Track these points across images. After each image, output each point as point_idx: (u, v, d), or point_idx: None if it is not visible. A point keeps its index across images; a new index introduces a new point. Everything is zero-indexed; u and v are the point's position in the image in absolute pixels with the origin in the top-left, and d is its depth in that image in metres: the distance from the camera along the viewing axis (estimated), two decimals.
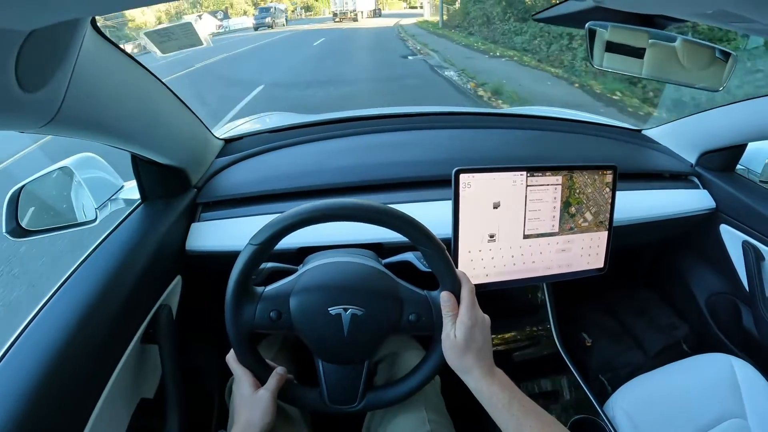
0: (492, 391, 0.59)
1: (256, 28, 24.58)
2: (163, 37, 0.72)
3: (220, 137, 1.10)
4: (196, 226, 0.92)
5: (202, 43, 0.77)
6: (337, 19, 30.40)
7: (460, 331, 0.62)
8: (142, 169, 0.88)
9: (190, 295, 0.91)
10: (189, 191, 0.95)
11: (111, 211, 1.00)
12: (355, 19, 29.94)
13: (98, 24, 0.58)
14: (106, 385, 0.63)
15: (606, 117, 1.60)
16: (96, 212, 0.97)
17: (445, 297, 0.64)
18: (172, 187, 0.92)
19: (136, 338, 0.72)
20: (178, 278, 0.87)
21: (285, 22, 28.85)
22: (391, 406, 0.72)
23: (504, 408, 0.58)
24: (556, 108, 1.65)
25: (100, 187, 0.99)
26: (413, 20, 24.92)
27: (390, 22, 25.81)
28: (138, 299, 0.73)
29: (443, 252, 0.64)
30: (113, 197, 1.01)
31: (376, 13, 33.97)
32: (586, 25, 0.71)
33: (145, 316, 0.75)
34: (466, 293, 0.65)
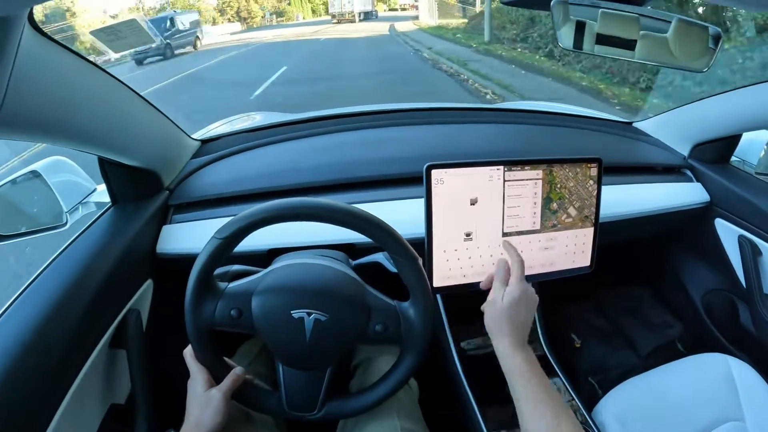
0: (516, 362, 0.60)
1: (139, 62, 11.88)
2: (110, 36, 0.70)
3: (197, 138, 1.08)
4: (167, 229, 0.89)
5: (153, 41, 0.75)
6: (335, 21, 30.12)
7: (507, 300, 0.63)
8: (110, 171, 0.86)
9: (163, 299, 0.89)
10: (161, 193, 0.93)
11: (82, 214, 0.99)
12: (352, 21, 29.34)
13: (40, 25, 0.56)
14: (70, 387, 0.61)
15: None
16: (66, 216, 0.95)
17: (501, 263, 0.69)
18: (143, 189, 0.90)
19: (102, 342, 0.70)
20: (149, 282, 0.85)
21: (197, 43, 16.54)
22: (356, 415, 0.69)
23: (523, 380, 0.58)
24: (543, 102, 1.61)
25: (70, 190, 0.98)
26: (410, 25, 21.91)
27: (383, 27, 22.16)
28: (104, 303, 0.71)
29: (414, 262, 0.62)
30: (84, 201, 0.99)
31: (369, 16, 31.59)
32: (552, 2, 0.67)
33: (113, 321, 0.73)
34: (516, 265, 0.67)
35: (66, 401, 0.60)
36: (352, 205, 0.60)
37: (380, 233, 0.60)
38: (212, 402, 0.61)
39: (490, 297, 0.66)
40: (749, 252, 1.02)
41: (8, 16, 0.42)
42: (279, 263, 0.68)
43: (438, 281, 0.77)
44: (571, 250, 0.85)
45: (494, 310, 0.64)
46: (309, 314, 0.61)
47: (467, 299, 0.76)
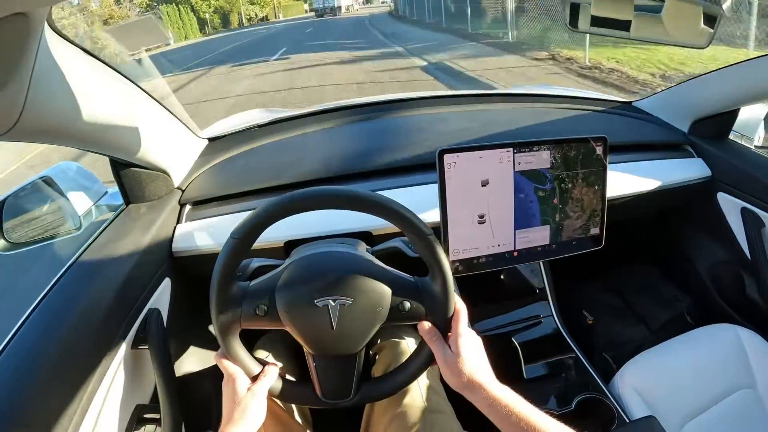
0: (504, 399, 0.55)
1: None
2: (125, 34, 0.70)
3: (204, 137, 1.08)
4: (181, 227, 0.89)
5: (167, 39, 0.75)
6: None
7: (456, 346, 0.60)
8: (122, 172, 0.86)
9: (182, 297, 0.89)
10: (173, 192, 0.93)
11: (95, 217, 0.99)
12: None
13: (57, 25, 0.56)
14: (97, 391, 0.61)
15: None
16: (80, 220, 0.95)
17: (423, 328, 0.63)
18: (155, 190, 0.90)
19: (125, 343, 0.69)
20: (166, 281, 0.85)
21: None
22: (388, 397, 0.69)
23: (516, 416, 0.54)
24: (543, 85, 1.62)
25: (82, 194, 0.98)
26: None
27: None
28: (125, 304, 0.71)
29: (429, 238, 0.61)
30: (96, 204, 0.99)
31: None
32: None
33: (134, 321, 0.73)
34: (459, 313, 0.63)
35: (94, 403, 0.60)
36: (362, 190, 0.60)
37: (392, 213, 0.60)
38: (252, 401, 0.60)
39: (438, 361, 0.61)
40: (752, 224, 1.04)
41: (29, 15, 0.42)
42: (296, 255, 0.68)
43: (453, 255, 0.78)
44: (581, 228, 0.86)
45: (451, 366, 0.59)
46: (334, 300, 0.60)
47: (484, 280, 0.77)
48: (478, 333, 0.92)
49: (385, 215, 0.60)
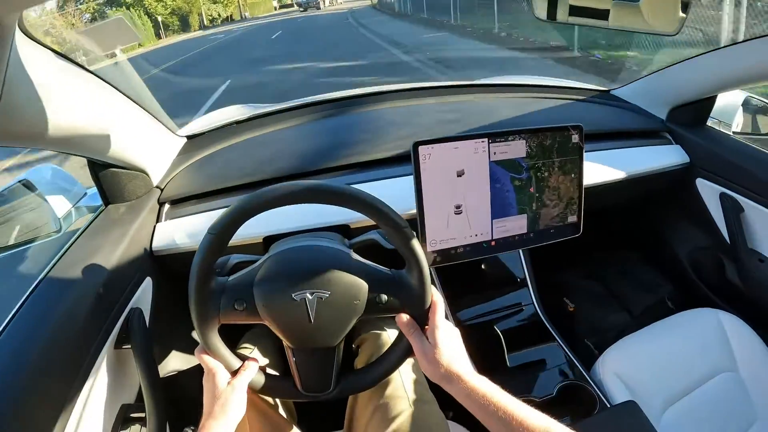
0: (482, 389, 0.55)
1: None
2: (97, 36, 0.70)
3: (182, 135, 1.07)
4: (161, 226, 0.89)
5: (138, 39, 0.75)
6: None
7: (433, 338, 0.60)
8: (100, 173, 0.85)
9: (164, 295, 0.89)
10: (152, 192, 0.93)
11: (76, 219, 0.98)
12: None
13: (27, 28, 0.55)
14: (81, 392, 0.61)
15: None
16: (60, 223, 0.95)
17: (401, 320, 0.63)
18: (134, 189, 0.90)
19: (108, 344, 0.69)
20: (147, 280, 0.85)
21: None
22: (369, 388, 0.70)
23: (494, 405, 0.53)
24: (519, 76, 1.62)
25: (61, 196, 0.98)
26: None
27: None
28: (106, 305, 0.71)
29: (404, 230, 0.61)
30: (76, 205, 0.98)
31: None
32: None
33: (116, 321, 0.73)
34: (436, 305, 0.63)
35: (78, 404, 0.60)
36: (336, 183, 0.60)
37: (367, 206, 0.60)
38: (232, 395, 0.60)
39: (416, 353, 0.62)
40: (731, 209, 1.04)
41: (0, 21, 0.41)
42: (275, 250, 0.68)
43: (431, 247, 0.78)
44: (558, 216, 0.86)
45: (430, 358, 0.59)
46: (311, 294, 0.61)
47: (464, 269, 0.77)
48: (460, 322, 0.94)
49: (359, 208, 0.60)
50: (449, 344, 0.60)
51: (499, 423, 0.52)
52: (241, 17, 34.30)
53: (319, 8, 27.48)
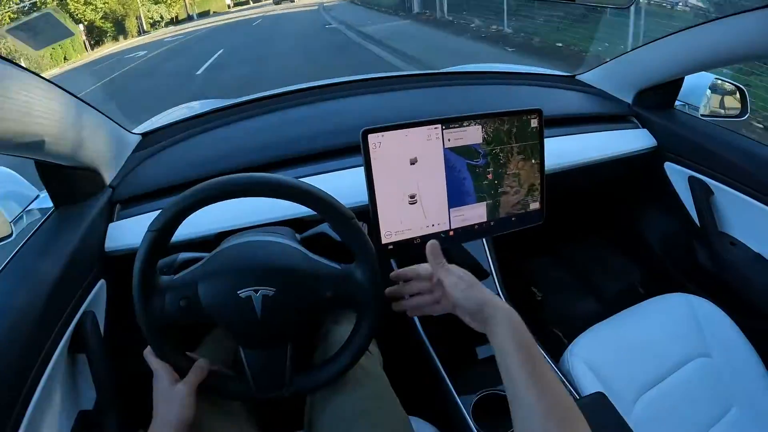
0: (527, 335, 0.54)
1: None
2: (28, 33, 0.67)
3: (137, 132, 1.05)
4: (114, 226, 0.86)
5: (72, 33, 0.72)
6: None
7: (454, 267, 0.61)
8: (47, 174, 0.83)
9: (118, 299, 0.86)
10: (104, 191, 0.90)
11: (27, 223, 0.95)
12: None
13: None
14: (32, 397, 0.59)
15: None
16: (11, 226, 0.91)
17: (430, 248, 0.63)
18: (85, 189, 0.87)
19: (60, 348, 0.67)
20: (101, 282, 0.82)
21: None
22: (326, 386, 0.68)
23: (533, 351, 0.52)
24: (481, 64, 1.60)
25: (12, 199, 0.94)
26: None
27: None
28: (58, 308, 0.68)
29: (350, 222, 0.60)
30: (27, 208, 0.95)
31: None
32: None
33: (68, 325, 0.70)
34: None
35: (30, 412, 0.58)
36: (276, 175, 0.58)
37: (309, 198, 0.58)
38: (177, 397, 0.59)
39: (451, 279, 0.60)
40: (700, 192, 1.03)
41: None
42: (221, 246, 0.66)
43: (386, 238, 0.75)
44: (520, 203, 0.84)
45: (464, 283, 0.59)
46: (256, 291, 0.59)
47: (419, 262, 0.75)
48: (424, 317, 0.91)
49: (302, 201, 0.59)
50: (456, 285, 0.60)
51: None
52: (188, 17, 29.50)
53: (293, 0, 25.56)
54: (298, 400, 0.71)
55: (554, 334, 1.08)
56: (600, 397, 0.72)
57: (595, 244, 1.31)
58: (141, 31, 23.66)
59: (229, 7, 34.71)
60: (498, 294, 0.95)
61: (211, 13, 31.73)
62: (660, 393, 0.86)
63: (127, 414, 0.75)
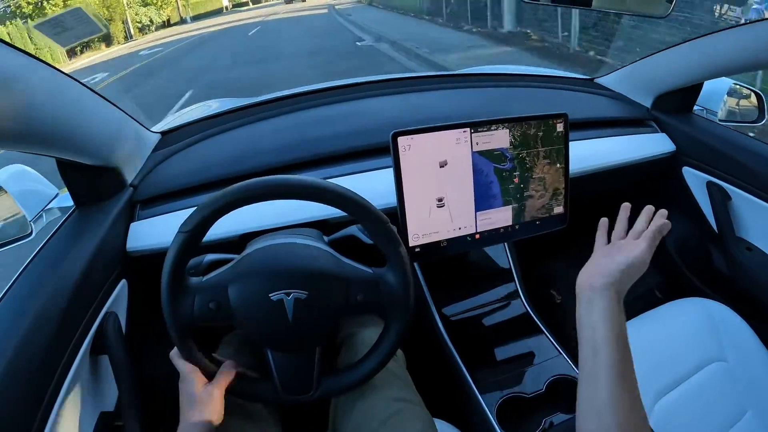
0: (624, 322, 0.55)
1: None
2: (56, 29, 0.66)
3: (156, 131, 1.04)
4: (135, 226, 0.86)
5: (101, 30, 0.71)
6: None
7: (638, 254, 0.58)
8: (69, 173, 0.82)
9: (141, 297, 0.86)
10: (125, 190, 0.89)
11: (47, 222, 0.94)
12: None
13: None
14: (56, 399, 0.58)
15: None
16: (31, 225, 0.90)
17: (660, 226, 0.61)
18: (106, 189, 0.86)
19: (83, 350, 0.66)
20: (123, 283, 0.82)
21: None
22: (352, 390, 0.67)
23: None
24: (503, 65, 1.60)
25: (32, 198, 0.93)
26: None
27: None
28: (80, 310, 0.68)
29: (386, 226, 0.59)
30: (47, 207, 0.94)
31: None
32: None
33: (91, 326, 0.70)
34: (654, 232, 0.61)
35: (54, 414, 0.57)
36: (312, 178, 0.57)
37: (343, 200, 0.58)
38: (208, 399, 0.59)
39: (643, 256, 0.57)
40: (718, 197, 1.03)
41: None
42: (251, 247, 0.66)
43: (413, 241, 0.76)
44: (544, 207, 0.84)
45: (635, 271, 0.57)
46: (288, 294, 0.58)
47: (448, 264, 0.75)
48: (446, 317, 0.92)
49: (337, 204, 0.59)
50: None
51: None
52: (181, 20, 26.65)
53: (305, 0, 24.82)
54: (322, 402, 0.70)
55: (573, 337, 1.08)
56: None
57: None
58: (128, 37, 21.22)
59: (226, 8, 32.26)
60: (519, 296, 0.95)
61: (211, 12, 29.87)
62: (677, 396, 0.86)
63: (147, 415, 0.75)
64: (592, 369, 0.50)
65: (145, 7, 23.59)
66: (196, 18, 27.72)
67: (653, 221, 0.61)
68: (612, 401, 0.47)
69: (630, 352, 0.51)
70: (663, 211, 0.63)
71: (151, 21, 23.94)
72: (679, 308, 0.97)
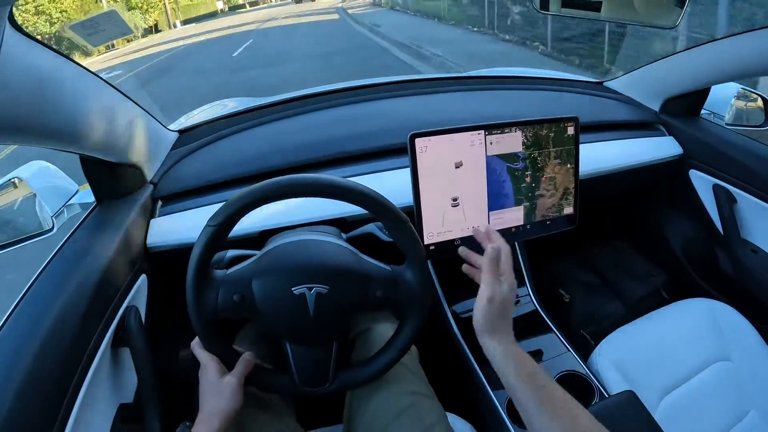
0: (527, 363, 0.55)
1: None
2: (89, 30, 0.68)
3: (174, 129, 1.05)
4: (155, 222, 0.88)
5: (131, 32, 0.73)
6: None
7: (506, 293, 0.60)
8: (92, 169, 0.84)
9: (160, 292, 0.88)
10: (145, 187, 0.91)
11: (68, 217, 0.96)
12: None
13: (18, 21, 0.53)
14: (79, 392, 0.60)
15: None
16: (52, 221, 0.92)
17: (492, 253, 0.62)
18: (127, 185, 0.88)
19: (105, 343, 0.68)
20: (143, 277, 0.84)
21: None
22: (367, 384, 0.69)
23: (536, 380, 0.53)
24: (514, 68, 1.62)
25: (53, 194, 0.95)
26: None
27: None
28: (102, 304, 0.70)
29: (407, 226, 0.61)
30: (68, 203, 0.96)
31: None
32: None
33: (113, 320, 0.71)
34: (507, 255, 0.64)
35: (76, 405, 0.59)
36: (336, 176, 0.59)
37: (366, 199, 0.60)
38: (228, 389, 0.60)
39: (485, 293, 0.59)
40: (725, 200, 1.05)
41: None
42: (273, 243, 0.67)
43: (428, 239, 0.78)
44: (555, 207, 0.86)
45: (494, 308, 0.58)
46: (310, 289, 0.60)
47: (459, 262, 0.77)
48: (456, 315, 0.94)
49: (360, 203, 0.60)
50: (507, 303, 0.60)
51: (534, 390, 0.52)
52: (170, 27, 24.30)
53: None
54: (337, 395, 0.72)
55: (582, 336, 1.10)
56: (631, 395, 0.74)
57: (620, 248, 1.33)
58: (110, 45, 17.49)
59: (221, 11, 29.63)
60: (529, 294, 0.97)
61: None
62: (681, 395, 0.88)
63: (165, 406, 0.76)
64: (518, 404, 0.54)
65: (129, 11, 20.85)
66: (187, 22, 26.03)
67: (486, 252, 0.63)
68: (543, 429, 0.50)
69: (546, 378, 0.54)
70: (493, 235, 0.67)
71: (136, 27, 21.27)
72: (685, 308, 0.99)
